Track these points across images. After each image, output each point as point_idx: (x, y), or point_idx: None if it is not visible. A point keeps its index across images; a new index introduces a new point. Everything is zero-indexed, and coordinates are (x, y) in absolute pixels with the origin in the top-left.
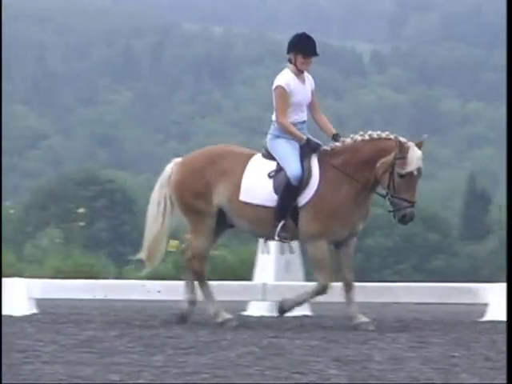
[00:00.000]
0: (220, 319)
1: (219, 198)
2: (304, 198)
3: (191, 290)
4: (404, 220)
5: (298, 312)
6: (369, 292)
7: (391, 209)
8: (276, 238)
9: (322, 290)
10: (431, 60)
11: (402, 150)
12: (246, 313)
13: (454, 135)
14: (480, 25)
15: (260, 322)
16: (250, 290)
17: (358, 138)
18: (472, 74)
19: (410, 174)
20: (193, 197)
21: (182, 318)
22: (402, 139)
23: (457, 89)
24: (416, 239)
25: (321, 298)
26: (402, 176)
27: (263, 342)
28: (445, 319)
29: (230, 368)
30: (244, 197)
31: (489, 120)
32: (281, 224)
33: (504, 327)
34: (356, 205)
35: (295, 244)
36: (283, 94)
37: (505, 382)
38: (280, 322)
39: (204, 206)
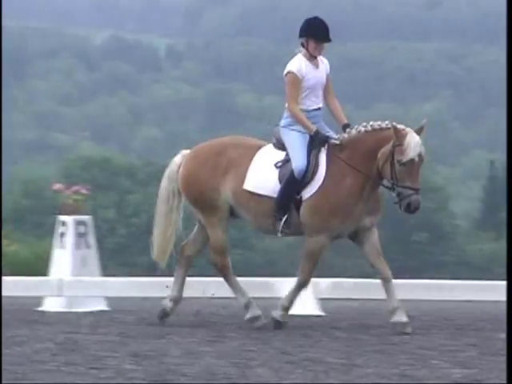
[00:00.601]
0: (249, 315)
1: (226, 189)
2: (309, 192)
3: (178, 288)
4: (410, 209)
5: (94, 307)
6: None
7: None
8: (278, 234)
9: (303, 284)
10: (226, 54)
11: (400, 137)
12: (41, 308)
13: (250, 130)
14: (275, 20)
15: (56, 318)
16: (46, 286)
17: (362, 129)
18: (267, 69)
19: (411, 160)
20: (202, 189)
21: (165, 314)
22: (400, 126)
23: (252, 83)
24: None
25: (117, 293)
26: (402, 164)
27: (59, 338)
28: (242, 314)
29: (26, 364)
30: (248, 186)
31: None
32: (284, 219)
33: (296, 321)
34: (361, 199)
35: (92, 239)
36: (294, 80)
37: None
38: (76, 317)
39: (214, 198)
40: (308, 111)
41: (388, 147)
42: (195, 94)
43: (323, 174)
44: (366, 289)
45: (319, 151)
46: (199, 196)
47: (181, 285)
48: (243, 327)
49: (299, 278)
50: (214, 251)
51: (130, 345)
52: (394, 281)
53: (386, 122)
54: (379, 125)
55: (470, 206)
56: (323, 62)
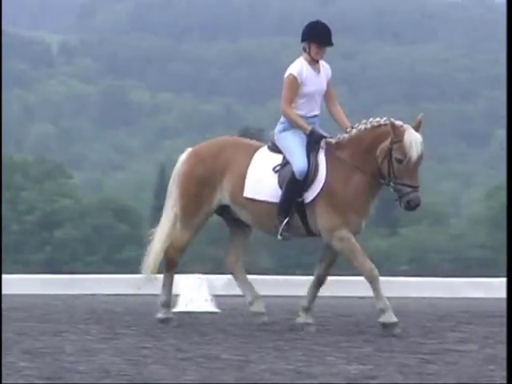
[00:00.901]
0: (160, 314)
1: (222, 190)
2: (311, 194)
3: (168, 291)
4: (409, 206)
5: None
6: (59, 284)
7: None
8: (279, 237)
9: (373, 278)
10: (120, 51)
11: (398, 134)
12: None
13: (143, 126)
14: (169, 16)
15: None
16: None
17: (362, 127)
18: (161, 66)
19: (409, 158)
20: (197, 188)
21: (166, 321)
22: (398, 122)
23: (146, 80)
24: (106, 230)
25: (9, 290)
26: (400, 161)
27: None
28: (137, 310)
29: None
30: (248, 193)
31: (178, 111)
32: (284, 222)
33: (195, 317)
34: (369, 194)
35: None
36: (293, 82)
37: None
38: None
39: (203, 201)
40: (306, 118)
41: (386, 143)
42: (88, 91)
43: (324, 175)
44: (262, 285)
45: (317, 152)
46: (191, 194)
47: (249, 287)
48: (138, 324)
49: (364, 274)
50: (174, 248)
51: (24, 342)
52: (286, 277)
53: (385, 119)
54: (378, 121)
55: None
56: (324, 66)
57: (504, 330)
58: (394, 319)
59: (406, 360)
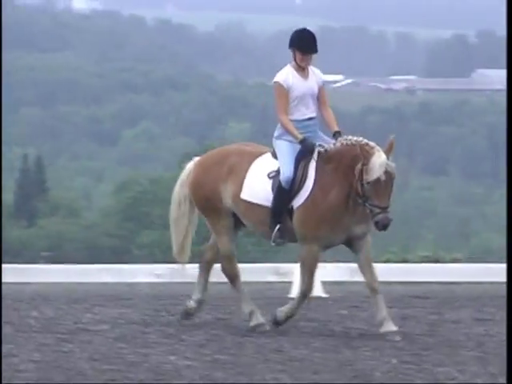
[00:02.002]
0: (253, 322)
1: (227, 197)
2: (298, 201)
3: (201, 289)
4: (377, 227)
5: None
6: None
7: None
8: (272, 243)
9: (302, 297)
10: None
11: (366, 157)
12: None
13: None
14: None
15: None
16: None
17: (344, 142)
18: None
19: (376, 180)
20: (206, 196)
21: (187, 314)
22: (370, 144)
23: None
24: None
25: None
26: (368, 183)
27: None
28: None
29: None
30: (244, 195)
31: None
32: (277, 228)
33: None
34: (347, 210)
35: None
36: (280, 90)
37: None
38: None
39: (217, 205)
40: (299, 121)
41: (359, 165)
42: None
43: (311, 184)
44: None
45: (309, 161)
46: (204, 202)
47: (204, 287)
48: None
49: (301, 287)
50: (222, 258)
51: None
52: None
53: (361, 138)
54: (356, 140)
55: (5, 197)
56: (314, 72)
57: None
58: (263, 326)
59: (44, 339)
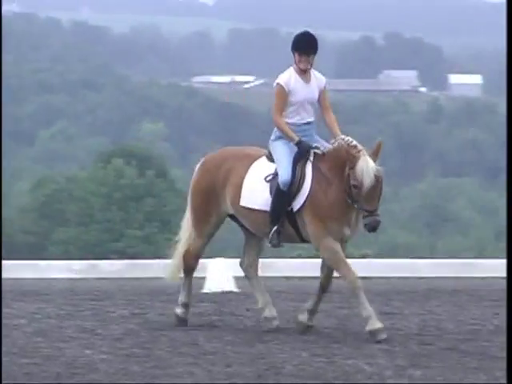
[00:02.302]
0: (178, 312)
1: (225, 200)
2: (298, 203)
3: (187, 293)
4: (366, 230)
5: None
6: None
7: None
8: (268, 244)
9: (356, 288)
10: None
11: (352, 161)
12: None
13: None
14: None
15: None
16: None
17: (336, 143)
18: None
19: (363, 185)
20: (204, 198)
21: (181, 321)
22: (357, 147)
23: None
24: None
25: None
26: (355, 187)
27: None
28: None
29: None
30: (244, 202)
31: None
32: (273, 230)
33: None
34: (348, 204)
35: None
36: (281, 92)
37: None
38: None
39: (211, 211)
40: (297, 125)
41: (347, 169)
42: None
43: (309, 185)
44: None
45: (305, 162)
46: (200, 205)
47: (189, 291)
48: None
49: (348, 286)
50: (190, 254)
51: None
52: None
53: (350, 140)
54: (345, 141)
55: None
56: (316, 76)
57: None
58: (379, 325)
59: None
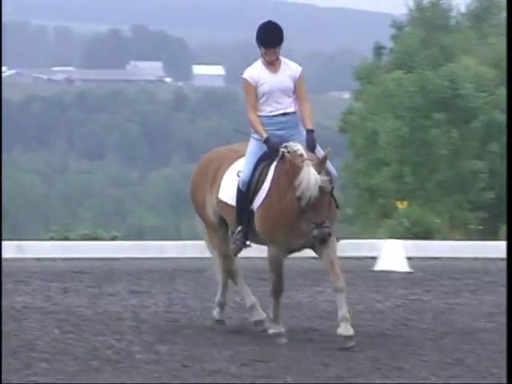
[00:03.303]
0: (254, 318)
1: (212, 200)
2: (256, 203)
3: (222, 292)
4: (315, 241)
5: None
6: None
7: None
8: (232, 244)
9: (275, 292)
10: None
11: (294, 171)
12: None
13: None
14: None
15: None
16: None
17: (285, 150)
18: None
19: (304, 197)
20: (198, 197)
21: (219, 321)
22: (303, 156)
23: None
24: None
25: None
26: (299, 198)
27: None
28: None
29: None
30: (221, 194)
31: None
32: (238, 229)
33: None
34: (302, 214)
35: None
36: (246, 86)
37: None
38: None
39: (205, 212)
40: (269, 117)
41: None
42: None
43: (267, 187)
44: None
45: (271, 162)
46: (195, 204)
47: (224, 290)
48: None
49: (271, 288)
50: (221, 258)
51: None
52: None
53: (296, 148)
54: (292, 149)
55: None
56: (289, 66)
57: None
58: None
59: None
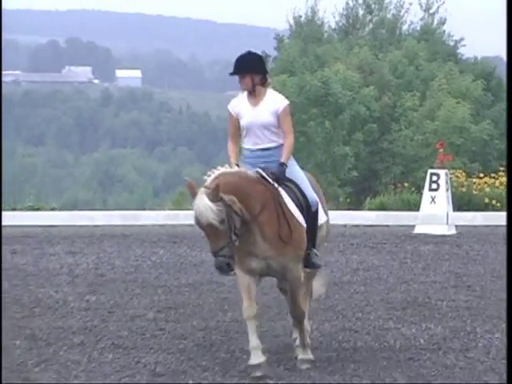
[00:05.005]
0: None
1: None
2: None
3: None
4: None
5: None
6: None
7: None
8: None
9: (245, 317)
10: None
11: (193, 197)
12: None
13: None
14: None
15: None
16: None
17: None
18: None
19: (197, 225)
20: None
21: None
22: (206, 182)
23: None
24: None
25: None
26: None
27: None
28: None
29: None
30: None
31: None
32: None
33: None
34: (244, 235)
35: None
36: (229, 116)
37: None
38: None
39: None
40: (252, 151)
41: None
42: None
43: None
44: None
45: None
46: None
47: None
48: None
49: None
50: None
51: None
52: None
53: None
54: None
55: None
56: (272, 99)
57: None
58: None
59: None
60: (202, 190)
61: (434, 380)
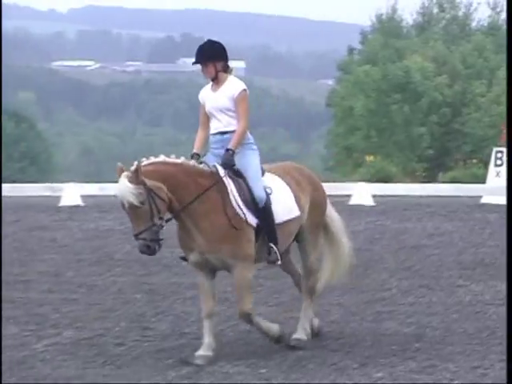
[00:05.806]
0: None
1: None
2: None
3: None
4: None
5: None
6: None
7: None
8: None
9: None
10: None
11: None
12: None
13: None
14: None
15: None
16: None
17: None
18: None
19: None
20: None
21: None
22: (133, 167)
23: None
24: None
25: None
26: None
27: None
28: None
29: None
30: None
31: None
32: None
33: None
34: (180, 226)
35: None
36: (200, 106)
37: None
38: None
39: None
40: (212, 135)
41: None
42: None
43: None
44: None
45: None
46: None
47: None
48: None
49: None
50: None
51: None
52: None
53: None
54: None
55: None
56: (231, 84)
57: None
58: None
59: None
60: (125, 173)
61: (499, 331)
